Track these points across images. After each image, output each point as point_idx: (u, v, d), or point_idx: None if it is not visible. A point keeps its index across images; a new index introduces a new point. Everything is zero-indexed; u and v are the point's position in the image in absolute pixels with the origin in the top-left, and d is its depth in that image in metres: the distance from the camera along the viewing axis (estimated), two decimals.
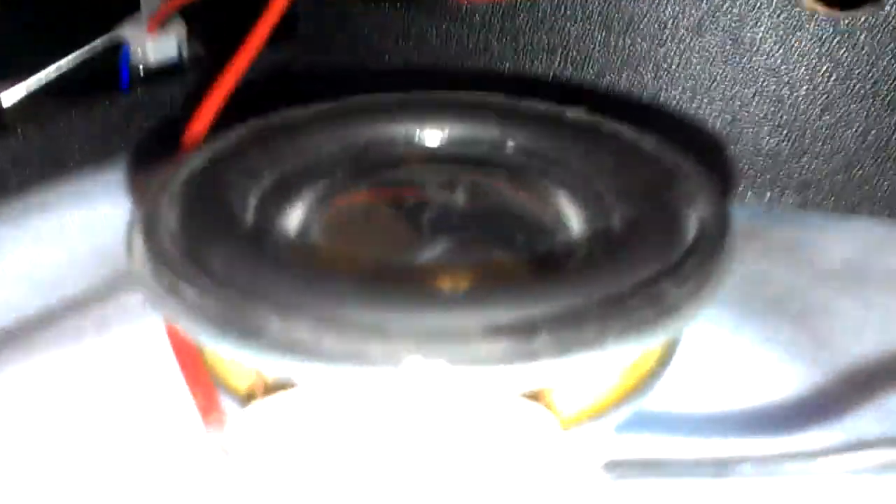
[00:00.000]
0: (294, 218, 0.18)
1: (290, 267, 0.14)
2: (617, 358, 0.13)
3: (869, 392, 0.19)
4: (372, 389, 0.13)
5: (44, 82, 0.31)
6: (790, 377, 0.20)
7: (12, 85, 0.31)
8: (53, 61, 0.32)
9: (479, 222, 0.18)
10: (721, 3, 0.26)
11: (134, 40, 0.32)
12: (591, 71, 0.28)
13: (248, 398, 0.15)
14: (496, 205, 0.19)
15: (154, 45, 0.32)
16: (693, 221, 0.16)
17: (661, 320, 0.14)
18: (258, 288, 0.14)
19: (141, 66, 0.32)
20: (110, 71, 0.32)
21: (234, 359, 0.14)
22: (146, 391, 0.18)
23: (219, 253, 0.15)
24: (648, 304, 0.14)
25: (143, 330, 0.20)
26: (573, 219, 0.18)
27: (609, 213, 0.17)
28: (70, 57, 0.32)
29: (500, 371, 0.13)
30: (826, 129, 0.26)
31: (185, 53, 0.33)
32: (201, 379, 0.16)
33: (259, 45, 0.23)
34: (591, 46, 0.27)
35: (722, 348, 0.21)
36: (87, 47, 0.32)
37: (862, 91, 0.25)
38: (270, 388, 0.15)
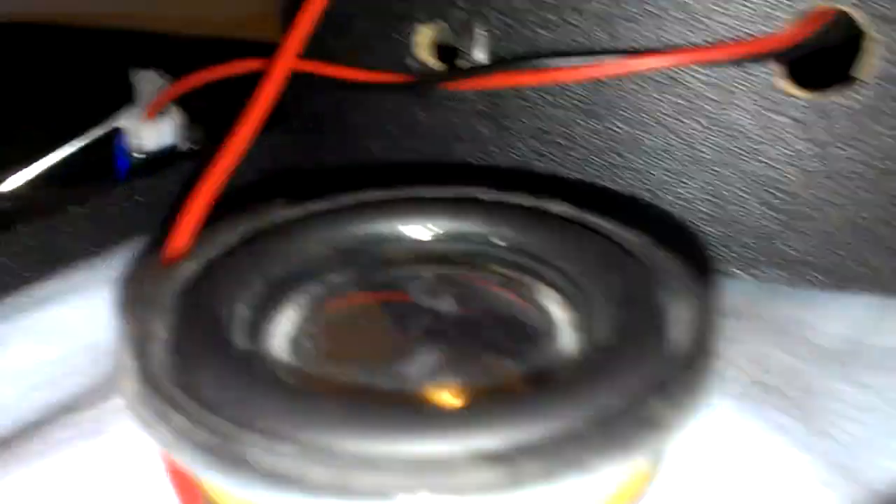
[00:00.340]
0: (284, 327, 0.18)
1: (278, 392, 0.14)
2: (604, 479, 0.13)
3: None
4: None
5: (40, 172, 0.32)
6: (798, 475, 0.20)
7: (8, 176, 0.31)
8: (50, 151, 0.32)
9: (468, 328, 0.18)
10: (701, 89, 0.26)
11: (130, 129, 0.32)
12: (577, 154, 0.28)
13: None
14: (485, 309, 0.19)
15: (150, 132, 0.32)
16: (681, 328, 0.17)
17: (648, 438, 0.14)
18: (246, 415, 0.14)
19: (137, 155, 0.32)
20: (107, 160, 0.33)
21: (222, 487, 0.14)
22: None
23: (208, 377, 0.15)
24: (636, 424, 0.14)
25: (136, 436, 0.20)
26: (560, 321, 0.19)
27: (598, 317, 0.18)
28: (66, 146, 0.33)
29: (487, 501, 0.13)
30: (811, 208, 0.27)
31: (182, 140, 0.33)
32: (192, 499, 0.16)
33: (247, 138, 0.24)
34: (576, 131, 0.28)
35: (721, 442, 0.20)
36: (83, 137, 0.33)
37: (844, 171, 0.26)
38: None
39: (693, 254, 0.19)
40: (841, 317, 0.27)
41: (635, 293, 0.17)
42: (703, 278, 0.18)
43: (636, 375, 0.15)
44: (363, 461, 0.13)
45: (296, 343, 0.18)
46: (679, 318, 0.17)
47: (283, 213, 0.21)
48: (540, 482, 0.13)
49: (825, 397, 0.23)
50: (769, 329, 0.26)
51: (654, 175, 0.28)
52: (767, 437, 0.21)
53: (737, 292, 0.28)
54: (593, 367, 0.16)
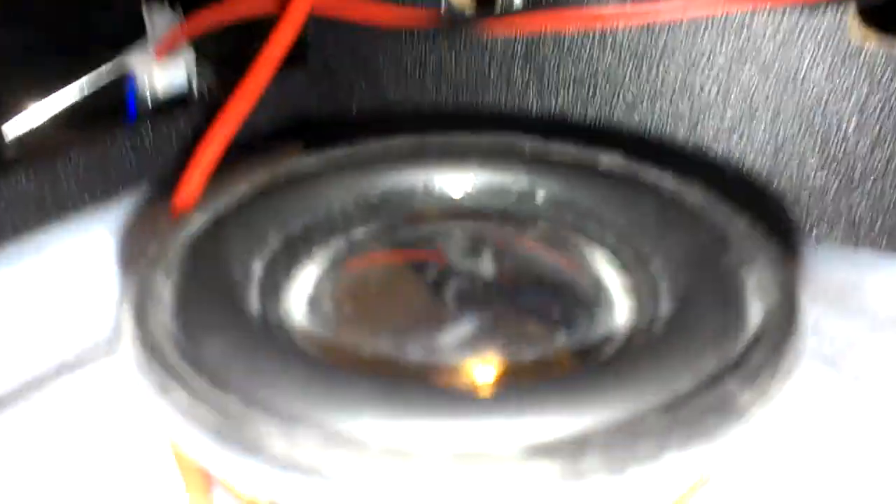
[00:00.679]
0: (304, 287, 0.16)
1: (295, 366, 0.12)
2: (677, 475, 0.11)
3: None
4: None
5: (46, 115, 0.30)
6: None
7: (14, 116, 0.29)
8: (57, 90, 0.31)
9: (509, 293, 0.16)
10: (762, 31, 0.24)
11: (140, 69, 0.30)
12: (622, 103, 0.26)
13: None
14: (527, 271, 0.17)
15: (162, 73, 0.30)
16: (754, 297, 0.14)
17: (727, 427, 0.12)
18: (258, 393, 0.12)
19: (149, 96, 0.30)
20: (117, 100, 0.31)
21: (231, 473, 0.12)
22: (137, 479, 0.17)
23: (215, 347, 0.13)
24: (712, 409, 0.12)
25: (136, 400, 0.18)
26: (613, 286, 0.16)
27: (655, 282, 0.15)
28: (74, 86, 0.31)
29: (544, 498, 0.11)
30: (877, 165, 0.24)
31: (195, 82, 0.31)
32: (198, 479, 0.14)
33: (260, 85, 0.22)
34: (622, 77, 0.26)
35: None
36: (91, 75, 0.31)
37: None
38: (275, 501, 0.13)
39: (753, 213, 0.17)
40: None
41: (702, 256, 0.15)
42: (778, 242, 0.16)
43: (707, 350, 0.13)
44: (392, 452, 0.11)
45: (316, 306, 0.16)
46: (755, 287, 0.15)
47: (301, 161, 0.19)
48: (604, 475, 0.11)
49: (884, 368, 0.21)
50: (826, 295, 0.24)
51: (707, 126, 0.25)
52: (823, 415, 0.19)
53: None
54: (657, 342, 0.13)
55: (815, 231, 0.26)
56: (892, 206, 0.25)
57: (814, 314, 0.23)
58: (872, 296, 0.24)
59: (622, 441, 0.11)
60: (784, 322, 0.14)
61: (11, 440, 0.18)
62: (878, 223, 0.25)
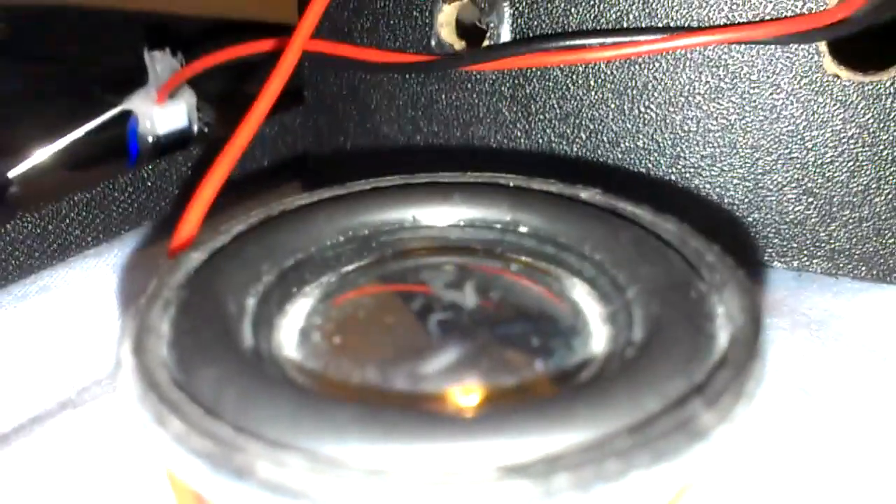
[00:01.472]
0: (295, 320, 0.17)
1: (284, 393, 0.13)
2: (644, 493, 0.12)
3: None
4: None
5: (50, 157, 0.31)
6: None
7: (20, 160, 0.30)
8: (61, 134, 0.32)
9: (490, 323, 0.17)
10: (739, 68, 0.25)
11: (142, 112, 0.31)
12: (606, 138, 0.27)
13: None
14: (508, 301, 0.18)
15: (163, 115, 0.31)
16: (722, 323, 0.15)
17: (690, 446, 0.12)
18: (249, 420, 0.13)
19: (150, 138, 0.31)
20: (119, 143, 0.32)
21: (222, 498, 0.12)
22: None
23: (209, 378, 0.14)
24: (676, 429, 0.13)
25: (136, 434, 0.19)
26: (591, 315, 0.17)
27: (629, 309, 0.16)
28: (78, 130, 0.32)
29: None
30: (854, 196, 0.25)
31: (195, 122, 0.32)
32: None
33: (257, 124, 0.23)
34: (605, 113, 0.27)
35: (753, 458, 0.19)
36: (95, 120, 0.32)
37: (891, 156, 0.24)
38: None
39: (733, 245, 0.18)
40: (884, 311, 0.25)
41: (673, 285, 0.16)
42: (746, 270, 0.17)
43: (674, 376, 0.14)
44: (377, 474, 0.12)
45: (306, 338, 0.16)
46: (722, 313, 0.15)
47: (295, 200, 0.20)
48: (572, 494, 0.12)
49: (868, 399, 0.21)
50: (808, 325, 0.25)
51: (688, 160, 0.26)
52: (805, 452, 0.19)
53: (774, 284, 0.27)
54: (628, 367, 0.14)
55: (795, 261, 0.26)
56: (870, 234, 0.25)
57: (794, 342, 0.24)
58: (852, 324, 0.25)
59: (591, 461, 0.12)
60: (748, 347, 0.14)
61: (13, 476, 0.18)
62: (857, 252, 0.26)
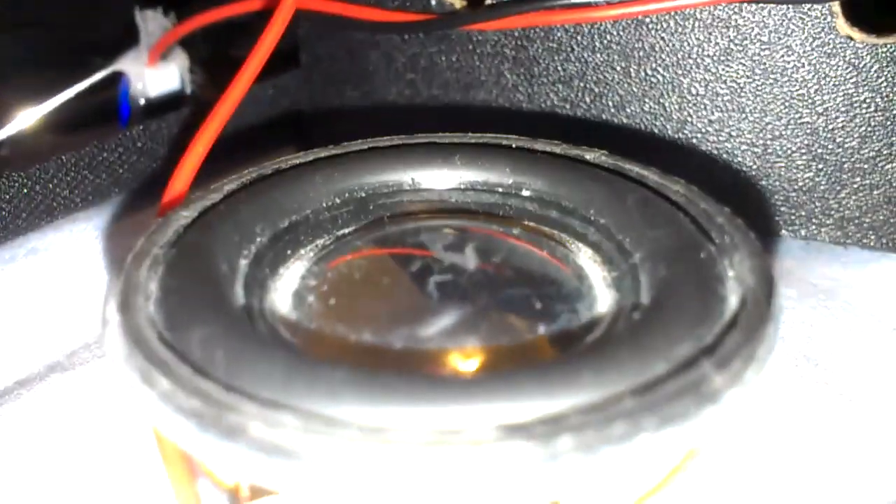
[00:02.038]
0: (289, 281, 0.17)
1: (277, 352, 0.13)
2: (652, 456, 0.12)
3: None
4: (371, 499, 0.11)
5: (40, 118, 0.30)
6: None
7: (8, 120, 0.30)
8: (51, 96, 0.31)
9: (491, 286, 0.16)
10: (749, 29, 0.24)
11: (134, 73, 0.31)
12: (611, 102, 0.26)
13: (234, 493, 0.14)
14: (511, 263, 0.17)
15: (154, 77, 0.31)
16: (732, 285, 0.15)
17: (700, 410, 0.12)
18: (239, 379, 0.12)
19: (142, 99, 0.31)
20: (111, 105, 0.31)
21: (212, 458, 0.12)
22: (124, 475, 0.17)
23: (198, 335, 0.13)
24: (685, 392, 0.12)
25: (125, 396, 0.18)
26: (595, 280, 0.17)
27: (636, 273, 0.16)
28: (68, 91, 0.31)
29: (517, 478, 0.11)
30: (865, 162, 0.24)
31: (187, 84, 0.31)
32: (182, 470, 0.14)
33: (248, 83, 0.22)
34: (611, 76, 0.26)
35: (756, 422, 0.18)
36: (85, 81, 0.31)
37: None
38: (256, 489, 0.13)
39: (740, 213, 0.17)
40: (893, 280, 0.25)
41: (682, 247, 0.15)
42: (759, 234, 0.16)
43: (683, 335, 0.13)
44: (374, 432, 0.11)
45: (300, 299, 0.16)
46: (732, 275, 0.15)
47: (289, 159, 0.19)
48: (576, 457, 0.11)
49: (875, 369, 0.21)
50: (816, 294, 0.24)
51: (695, 125, 0.25)
52: (807, 417, 0.19)
53: (782, 254, 0.26)
54: (634, 328, 0.14)
55: (803, 229, 0.26)
56: (880, 202, 0.25)
57: (802, 311, 0.23)
58: (860, 293, 0.24)
59: (596, 423, 0.11)
60: (759, 309, 0.14)
61: (2, 438, 0.18)
62: (867, 220, 0.25)
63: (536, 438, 0.11)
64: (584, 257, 0.17)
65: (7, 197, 0.24)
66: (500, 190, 0.19)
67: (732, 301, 0.14)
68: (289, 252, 0.17)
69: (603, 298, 0.16)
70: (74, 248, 0.24)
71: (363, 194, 0.19)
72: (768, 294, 0.14)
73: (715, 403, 0.12)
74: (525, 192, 0.19)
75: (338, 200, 0.18)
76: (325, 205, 0.18)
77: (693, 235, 0.16)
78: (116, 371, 0.13)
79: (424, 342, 0.14)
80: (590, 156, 0.19)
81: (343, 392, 0.12)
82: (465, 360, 0.14)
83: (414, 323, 0.15)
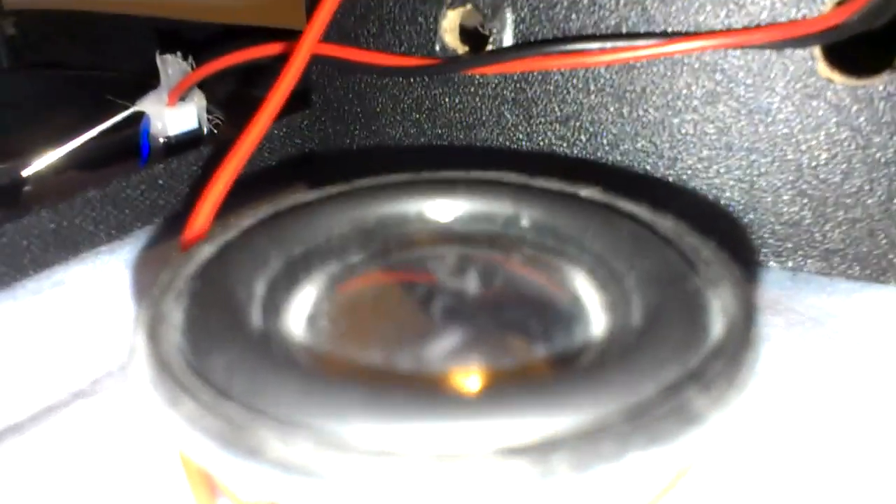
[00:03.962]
0: (302, 306, 0.18)
1: (292, 375, 0.14)
2: (640, 474, 0.13)
3: None
4: None
5: (63, 157, 0.32)
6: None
7: (32, 160, 0.31)
8: (75, 135, 0.32)
9: (492, 308, 0.17)
10: (734, 72, 0.25)
11: (154, 113, 0.32)
12: (605, 141, 0.27)
13: None
14: (510, 288, 0.18)
15: (174, 117, 0.32)
16: (717, 314, 0.16)
17: (684, 431, 0.13)
18: (259, 401, 0.13)
19: (161, 139, 0.32)
20: (132, 144, 0.32)
21: (234, 476, 0.13)
22: (149, 497, 0.18)
23: (220, 360, 0.14)
24: (671, 414, 0.13)
25: (151, 423, 0.20)
26: (591, 304, 0.18)
27: (628, 299, 0.17)
28: (91, 130, 0.32)
29: (516, 494, 0.12)
30: (848, 197, 0.26)
31: (205, 124, 0.33)
32: (205, 491, 0.15)
33: (266, 123, 0.23)
34: (605, 116, 0.27)
35: (743, 450, 0.19)
36: (108, 122, 0.32)
37: (883, 158, 0.25)
38: None
39: (730, 245, 0.18)
40: (877, 310, 0.26)
41: (669, 277, 0.17)
42: (741, 268, 0.17)
43: (670, 362, 0.14)
44: (380, 452, 0.12)
45: (313, 323, 0.17)
46: (717, 305, 0.16)
47: (302, 196, 0.21)
48: (570, 474, 0.12)
49: (860, 397, 0.22)
50: (803, 322, 0.25)
51: (685, 162, 0.27)
52: (791, 441, 0.20)
53: (770, 284, 0.27)
54: (625, 352, 0.15)
55: (790, 261, 0.27)
56: (863, 235, 0.26)
57: (789, 339, 0.24)
58: (845, 322, 0.25)
59: (588, 442, 0.13)
60: (741, 337, 0.15)
61: (27, 463, 0.19)
62: (851, 252, 0.26)
63: (532, 457, 0.12)
64: (580, 282, 0.18)
65: (36, 232, 0.25)
66: (501, 220, 0.20)
67: (717, 329, 0.15)
68: (302, 277, 0.18)
69: (597, 321, 0.17)
70: (98, 280, 0.25)
71: (372, 224, 0.20)
72: (750, 323, 0.15)
73: (699, 425, 0.13)
74: (524, 223, 0.20)
75: (347, 231, 0.20)
76: (335, 234, 0.20)
77: (681, 267, 0.17)
78: (143, 395, 0.14)
79: (429, 362, 0.15)
80: (584, 192, 0.21)
81: (353, 411, 0.13)
82: (468, 380, 0.15)
83: (419, 344, 0.16)
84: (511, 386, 0.13)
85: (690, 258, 0.18)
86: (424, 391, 0.14)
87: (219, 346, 0.15)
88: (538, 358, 0.16)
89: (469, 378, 0.15)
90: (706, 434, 0.13)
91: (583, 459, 0.12)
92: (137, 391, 0.15)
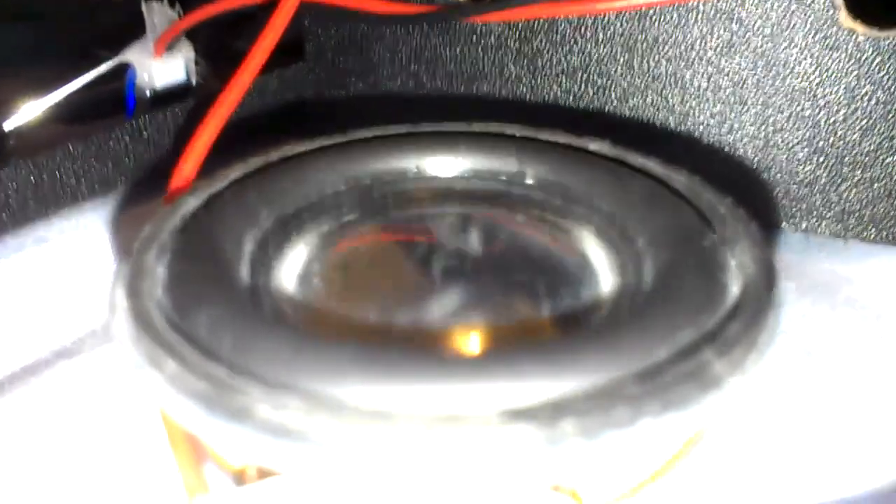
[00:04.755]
0: (294, 264, 0.17)
1: (282, 334, 0.13)
2: (653, 441, 0.12)
3: None
4: (375, 480, 0.11)
5: (46, 110, 0.31)
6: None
7: (16, 111, 0.30)
8: (58, 87, 0.31)
9: (496, 268, 0.16)
10: (752, 22, 0.24)
11: (140, 64, 0.31)
12: (614, 94, 0.26)
13: (240, 476, 0.14)
14: (515, 247, 0.17)
15: (160, 68, 0.31)
16: (734, 273, 0.15)
17: (702, 396, 0.12)
18: (245, 360, 0.12)
19: (148, 91, 0.31)
20: (117, 96, 0.31)
21: (219, 440, 0.12)
22: (131, 459, 0.17)
23: (205, 317, 0.13)
24: (687, 378, 0.12)
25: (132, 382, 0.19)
26: (599, 264, 0.17)
27: (639, 259, 0.16)
28: (75, 82, 0.31)
29: (521, 461, 0.11)
30: (866, 155, 0.25)
31: (193, 75, 0.32)
32: (189, 454, 0.14)
33: (254, 72, 0.22)
34: (614, 69, 0.26)
35: (753, 418, 0.19)
36: (92, 72, 0.31)
37: None
38: (263, 470, 0.13)
39: (742, 205, 0.17)
40: (891, 274, 0.25)
41: (685, 235, 0.16)
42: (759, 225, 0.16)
43: (685, 322, 0.13)
44: (379, 415, 0.11)
45: (305, 281, 0.16)
46: (734, 265, 0.15)
47: (295, 146, 0.19)
48: (578, 441, 0.11)
49: (872, 364, 0.21)
50: (816, 288, 0.24)
51: (697, 117, 0.26)
52: (804, 410, 0.19)
53: (782, 246, 0.26)
54: (637, 313, 0.14)
55: (804, 222, 0.26)
56: (880, 196, 0.25)
57: (801, 306, 0.23)
58: (860, 288, 0.24)
59: (598, 407, 0.12)
60: (761, 297, 0.14)
61: (10, 423, 0.18)
62: (867, 214, 0.25)
63: (539, 422, 0.11)
64: (589, 242, 0.17)
65: (14, 185, 0.24)
66: (505, 177, 0.19)
67: (734, 289, 0.14)
68: (294, 235, 0.17)
69: (606, 282, 0.16)
70: (81, 236, 0.24)
71: (368, 181, 0.19)
72: (770, 284, 0.14)
73: (716, 390, 0.12)
74: (529, 180, 0.19)
75: (343, 187, 0.19)
76: (330, 191, 0.18)
77: (696, 224, 0.16)
78: (124, 355, 0.13)
79: (428, 322, 0.14)
80: (593, 146, 0.19)
81: (348, 372, 0.12)
82: (470, 340, 0.14)
83: (418, 304, 0.15)
84: (516, 346, 0.13)
85: (706, 215, 0.17)
86: (423, 351, 0.13)
87: (203, 302, 0.14)
88: (544, 319, 0.15)
89: (471, 338, 0.14)
90: (724, 400, 0.12)
91: (593, 425, 0.11)
92: (118, 350, 0.14)
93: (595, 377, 0.12)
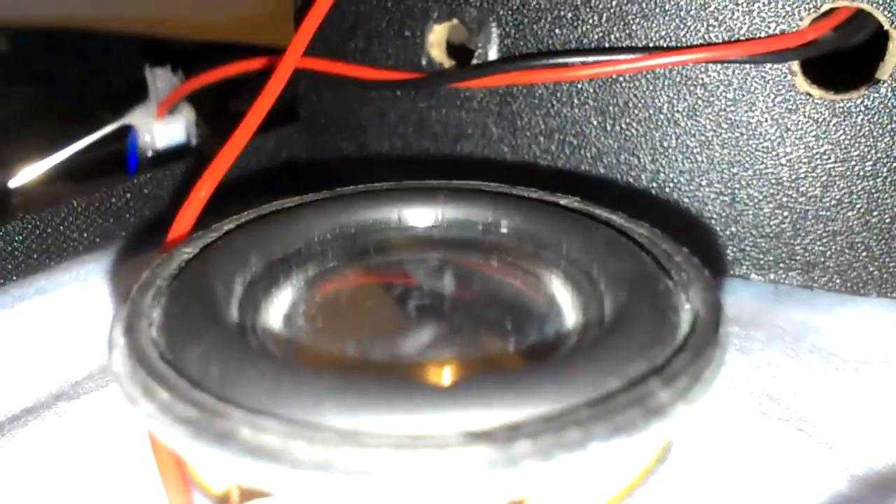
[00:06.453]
0: (280, 304, 0.18)
1: (266, 366, 0.14)
2: (603, 464, 0.13)
3: None
4: (346, 499, 0.12)
5: (51, 168, 0.32)
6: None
7: (21, 169, 0.31)
8: (64, 146, 0.32)
9: (468, 308, 0.18)
10: (715, 87, 0.26)
11: (142, 126, 0.32)
12: (589, 154, 0.28)
13: (224, 501, 0.15)
14: (487, 289, 0.19)
15: (162, 130, 0.32)
16: (686, 314, 0.16)
17: (647, 422, 0.13)
18: (231, 389, 0.13)
19: (150, 151, 0.32)
20: (120, 155, 0.33)
21: (205, 463, 0.13)
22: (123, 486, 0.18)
23: (195, 352, 0.14)
24: (634, 405, 0.13)
25: (130, 422, 0.20)
26: (565, 304, 0.18)
27: (601, 300, 0.17)
28: (80, 142, 0.33)
29: (479, 479, 0.12)
30: (828, 210, 0.26)
31: (193, 137, 0.33)
32: (176, 478, 0.15)
33: (250, 133, 0.24)
34: (588, 130, 0.28)
35: (716, 454, 0.19)
36: (96, 133, 0.33)
37: (862, 171, 0.25)
38: (246, 493, 0.14)
39: (710, 257, 0.18)
40: (858, 323, 0.26)
41: (642, 278, 0.17)
42: (721, 280, 0.18)
43: (636, 356, 0.14)
44: (348, 437, 0.12)
45: (290, 320, 0.17)
46: (687, 307, 0.16)
47: (285, 202, 0.21)
48: (533, 462, 0.12)
49: (838, 408, 0.22)
50: (783, 337, 0.25)
51: (667, 175, 0.27)
52: (766, 450, 0.20)
53: (751, 296, 0.27)
54: (592, 347, 0.15)
55: (772, 273, 0.27)
56: (843, 248, 0.26)
57: (770, 353, 0.24)
58: (826, 336, 0.25)
59: (551, 430, 0.13)
60: (708, 334, 0.15)
61: (8, 462, 0.19)
62: (831, 265, 0.26)
63: (496, 443, 0.12)
64: (556, 285, 0.19)
65: (20, 238, 0.25)
66: (480, 226, 0.21)
67: (684, 328, 0.16)
68: (282, 278, 0.19)
69: (570, 320, 0.17)
70: (82, 287, 0.25)
71: (353, 230, 0.20)
72: (716, 322, 0.16)
73: (661, 417, 0.13)
74: (503, 229, 0.20)
75: (329, 236, 0.20)
76: (316, 239, 0.20)
77: (653, 270, 0.17)
78: (121, 388, 0.15)
79: (401, 356, 0.16)
80: (563, 201, 0.21)
81: (323, 400, 0.13)
82: (439, 371, 0.15)
83: (393, 340, 0.16)
84: (480, 376, 0.14)
85: (663, 262, 0.18)
86: (392, 380, 0.14)
87: (194, 337, 0.15)
88: (510, 353, 0.16)
89: (440, 369, 0.15)
90: (669, 426, 0.13)
91: (546, 446, 0.13)
92: (114, 384, 0.15)
93: (551, 404, 0.13)
